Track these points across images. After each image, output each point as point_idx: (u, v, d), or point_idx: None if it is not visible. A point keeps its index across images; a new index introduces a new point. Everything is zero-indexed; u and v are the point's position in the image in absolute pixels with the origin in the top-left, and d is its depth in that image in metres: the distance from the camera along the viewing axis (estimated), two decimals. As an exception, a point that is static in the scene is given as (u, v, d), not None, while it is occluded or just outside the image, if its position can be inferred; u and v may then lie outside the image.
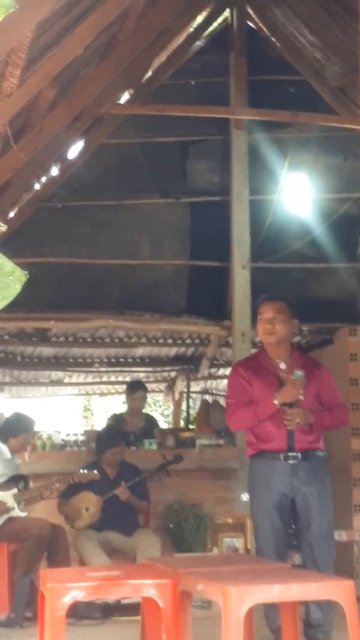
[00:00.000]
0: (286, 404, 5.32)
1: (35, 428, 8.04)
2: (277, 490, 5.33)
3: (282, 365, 5.48)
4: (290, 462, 5.35)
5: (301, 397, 5.33)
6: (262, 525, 5.37)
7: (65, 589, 3.81)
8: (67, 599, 3.78)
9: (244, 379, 5.48)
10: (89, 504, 7.53)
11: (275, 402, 5.31)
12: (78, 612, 6.33)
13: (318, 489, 5.37)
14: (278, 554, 5.27)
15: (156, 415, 14.93)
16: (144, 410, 9.97)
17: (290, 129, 9.89)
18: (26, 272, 1.91)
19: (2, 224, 1.82)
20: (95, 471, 7.52)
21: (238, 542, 7.90)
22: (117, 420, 9.34)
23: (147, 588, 3.88)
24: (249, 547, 7.87)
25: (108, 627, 6.57)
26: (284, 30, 9.45)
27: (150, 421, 9.79)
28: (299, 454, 5.35)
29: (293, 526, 5.58)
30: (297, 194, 9.23)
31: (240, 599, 3.61)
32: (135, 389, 9.54)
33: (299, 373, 5.32)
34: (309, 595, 4.11)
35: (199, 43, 10.13)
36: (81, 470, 7.52)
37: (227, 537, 7.91)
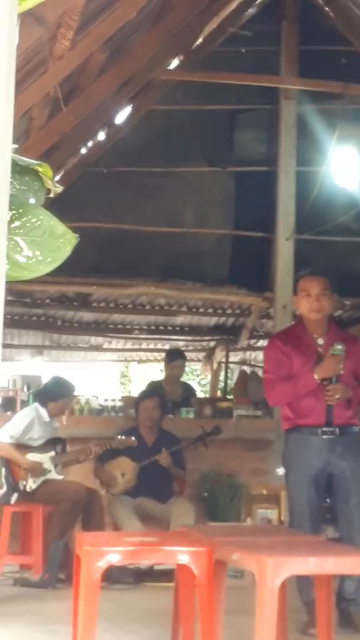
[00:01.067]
0: (326, 379, 5.28)
1: (75, 393, 8.08)
2: (314, 465, 5.31)
3: (320, 341, 5.44)
4: (328, 437, 5.31)
5: (341, 372, 5.28)
6: (298, 500, 5.36)
7: (101, 552, 3.82)
8: (103, 563, 3.79)
9: (282, 353, 5.42)
10: (125, 470, 7.55)
11: (316, 376, 5.25)
12: (111, 576, 6.34)
13: (355, 464, 5.34)
14: (313, 528, 5.26)
15: (193, 384, 14.94)
16: (181, 379, 9.98)
17: (340, 101, 9.77)
18: (77, 235, 1.90)
19: (58, 185, 1.80)
20: (133, 437, 7.54)
21: (272, 514, 7.89)
22: (154, 388, 9.35)
23: (182, 555, 3.89)
24: (282, 519, 7.86)
25: (140, 592, 6.61)
26: (338, 0, 9.31)
27: (188, 390, 9.81)
28: (337, 429, 5.31)
29: (328, 500, 5.57)
30: (345, 167, 9.13)
31: (276, 570, 3.61)
32: (175, 358, 9.55)
33: (339, 347, 5.26)
34: (344, 569, 4.09)
35: (251, 10, 10.00)
36: (119, 437, 7.54)
37: (261, 508, 7.90)
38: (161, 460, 7.59)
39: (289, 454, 5.48)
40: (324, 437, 5.31)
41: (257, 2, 9.99)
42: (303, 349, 5.41)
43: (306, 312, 5.46)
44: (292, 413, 5.41)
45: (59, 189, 1.82)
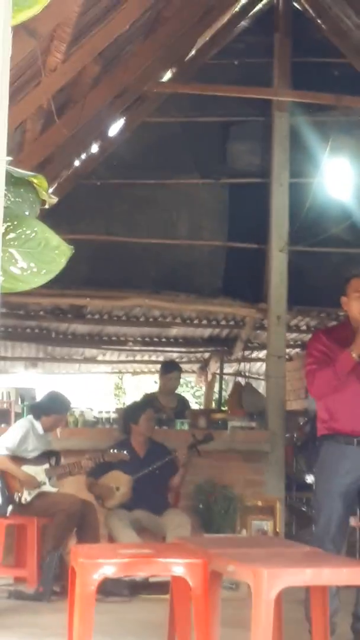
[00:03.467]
0: None
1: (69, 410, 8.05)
2: (347, 477, 5.14)
3: None
4: None
5: None
6: (324, 513, 5.18)
7: (96, 564, 3.82)
8: (98, 575, 3.79)
9: (325, 346, 5.21)
10: (120, 483, 7.53)
11: (354, 354, 5.01)
12: (106, 589, 6.31)
13: None
14: (334, 543, 5.11)
15: (188, 396, 14.93)
16: (176, 391, 9.97)
17: (333, 112, 9.80)
18: (72, 247, 1.90)
19: (52, 196, 1.81)
20: (125, 451, 7.52)
21: (267, 525, 7.88)
22: (149, 400, 9.34)
23: (177, 567, 3.88)
24: (278, 530, 7.86)
25: (135, 604, 6.59)
26: (330, 12, 9.35)
27: (182, 402, 9.79)
28: None
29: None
30: (338, 178, 9.16)
31: (272, 581, 3.60)
32: (171, 369, 9.54)
33: None
34: (340, 580, 4.09)
35: (243, 23, 10.05)
36: (111, 450, 7.52)
37: (256, 519, 7.90)
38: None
39: (322, 462, 5.28)
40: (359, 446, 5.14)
41: (249, 14, 10.03)
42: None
43: (357, 314, 5.20)
44: (327, 414, 5.22)
45: (54, 200, 1.82)
